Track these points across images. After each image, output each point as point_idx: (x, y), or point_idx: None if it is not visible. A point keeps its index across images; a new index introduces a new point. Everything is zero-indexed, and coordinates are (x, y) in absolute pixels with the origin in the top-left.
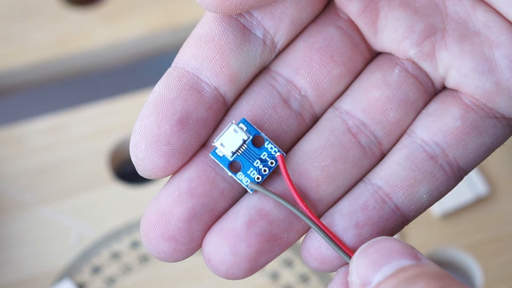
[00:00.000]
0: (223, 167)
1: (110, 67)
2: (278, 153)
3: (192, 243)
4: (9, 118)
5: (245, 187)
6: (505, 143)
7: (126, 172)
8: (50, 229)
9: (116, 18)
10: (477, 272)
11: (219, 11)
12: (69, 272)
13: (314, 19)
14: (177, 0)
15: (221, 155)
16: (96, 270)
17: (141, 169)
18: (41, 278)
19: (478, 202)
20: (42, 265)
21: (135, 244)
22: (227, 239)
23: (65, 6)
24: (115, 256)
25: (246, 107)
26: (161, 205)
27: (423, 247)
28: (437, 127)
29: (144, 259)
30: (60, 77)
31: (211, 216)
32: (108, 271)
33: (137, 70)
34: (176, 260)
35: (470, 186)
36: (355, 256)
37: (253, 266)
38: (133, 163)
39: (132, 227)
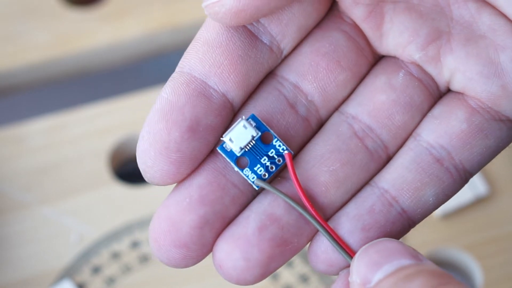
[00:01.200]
0: (230, 162)
1: (110, 67)
2: (286, 151)
3: (203, 250)
4: (9, 118)
5: (251, 183)
6: (510, 145)
7: (126, 172)
8: (50, 229)
9: (116, 18)
10: (477, 272)
11: (233, 23)
12: (69, 272)
13: (318, 24)
14: (177, 0)
15: (228, 150)
16: (96, 270)
17: (150, 176)
18: (41, 278)
19: (478, 202)
20: (42, 265)
21: (135, 244)
22: (239, 245)
23: (65, 6)
24: (115, 256)
25: (254, 113)
26: (171, 212)
27: (423, 247)
28: (443, 130)
29: (144, 259)
30: (60, 77)
31: (222, 222)
32: (108, 271)
33: (137, 70)
34: (186, 266)
35: (470, 186)
36: (356, 257)
37: (265, 271)
38: (141, 170)
39: (132, 227)
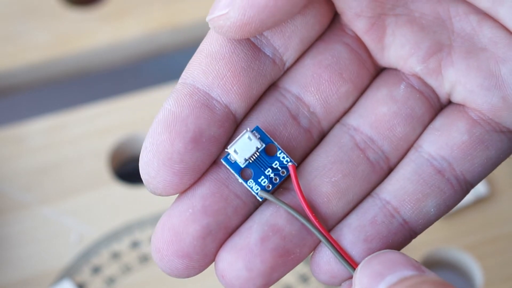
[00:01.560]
0: (234, 173)
1: (110, 67)
2: (290, 163)
3: (205, 260)
4: (9, 118)
5: (255, 194)
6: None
7: (126, 172)
8: (50, 229)
9: (116, 18)
10: (477, 272)
11: (238, 37)
12: (69, 272)
13: (321, 36)
14: (177, 0)
15: (233, 161)
16: (96, 270)
17: (153, 187)
18: (41, 278)
19: (478, 202)
20: (42, 265)
21: (135, 244)
22: (241, 255)
23: (65, 6)
24: (115, 256)
25: (257, 124)
26: (174, 222)
27: (423, 247)
28: (444, 142)
29: (144, 259)
30: (60, 77)
31: (224, 233)
32: (108, 271)
33: (137, 70)
34: (189, 276)
35: None
36: (359, 268)
37: (267, 282)
38: (144, 180)
39: (132, 227)
